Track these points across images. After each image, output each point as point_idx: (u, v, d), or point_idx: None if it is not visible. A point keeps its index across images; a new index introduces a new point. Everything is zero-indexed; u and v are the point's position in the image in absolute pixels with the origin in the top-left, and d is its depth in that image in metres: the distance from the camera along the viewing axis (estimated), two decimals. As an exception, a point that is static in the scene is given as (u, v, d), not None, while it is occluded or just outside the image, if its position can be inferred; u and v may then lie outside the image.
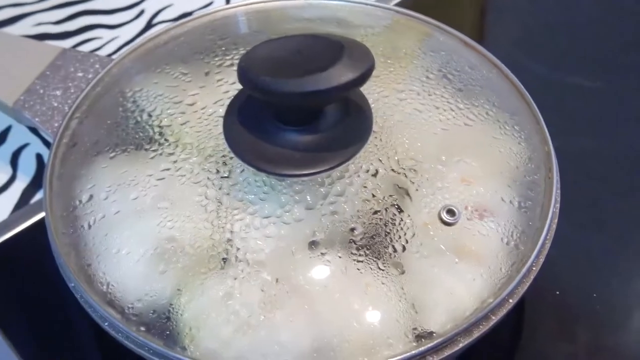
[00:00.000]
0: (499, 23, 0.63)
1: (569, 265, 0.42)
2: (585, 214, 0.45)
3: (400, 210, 0.34)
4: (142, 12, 0.60)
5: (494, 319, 0.32)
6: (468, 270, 0.33)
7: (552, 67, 0.56)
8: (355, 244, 0.33)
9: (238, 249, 0.33)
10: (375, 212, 0.34)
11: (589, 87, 0.55)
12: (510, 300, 0.33)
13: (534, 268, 0.34)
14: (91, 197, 0.37)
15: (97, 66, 0.45)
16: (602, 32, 0.60)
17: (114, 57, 0.44)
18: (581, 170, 0.47)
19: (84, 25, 0.60)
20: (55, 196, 0.37)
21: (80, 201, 0.37)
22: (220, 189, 0.35)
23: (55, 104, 0.44)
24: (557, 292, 0.41)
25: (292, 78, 0.32)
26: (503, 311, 0.32)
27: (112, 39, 0.58)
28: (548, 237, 0.34)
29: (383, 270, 0.33)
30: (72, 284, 0.34)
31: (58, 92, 0.44)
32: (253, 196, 0.34)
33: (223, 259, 0.33)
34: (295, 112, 0.34)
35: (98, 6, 0.61)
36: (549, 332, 0.40)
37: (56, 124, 0.43)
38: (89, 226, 0.36)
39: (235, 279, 0.33)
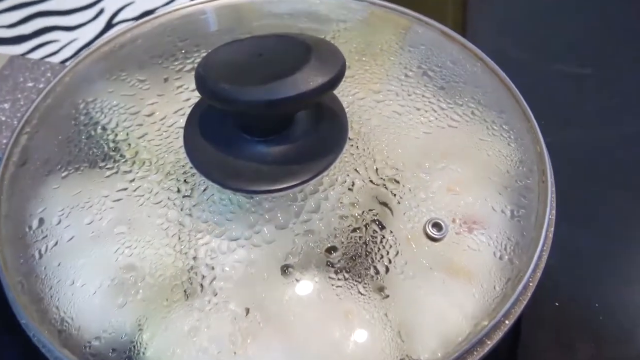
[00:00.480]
0: (481, 9, 0.60)
1: (567, 273, 0.39)
2: (584, 214, 0.42)
3: (382, 227, 0.31)
4: (101, 12, 0.57)
5: (490, 344, 0.29)
6: (458, 290, 0.30)
7: (539, 54, 0.53)
8: (333, 266, 0.30)
9: (203, 276, 0.30)
10: (354, 230, 0.31)
11: (579, 75, 0.51)
12: (507, 322, 0.30)
13: (530, 284, 0.31)
14: (42, 221, 0.33)
15: (48, 74, 0.42)
16: (591, 17, 0.57)
17: (68, 63, 0.40)
18: (577, 166, 0.44)
19: (40, 27, 0.56)
20: (4, 221, 0.34)
21: (30, 227, 0.33)
22: (182, 209, 0.32)
23: (4, 118, 0.41)
24: (557, 304, 0.38)
25: (256, 85, 0.29)
26: (499, 334, 0.29)
27: (70, 42, 0.55)
28: (545, 248, 0.32)
29: (365, 294, 0.29)
30: (24, 321, 0.31)
31: (6, 105, 0.41)
32: (218, 217, 0.31)
33: (187, 289, 0.30)
34: (262, 122, 0.31)
35: (54, 6, 0.57)
36: (549, 349, 0.37)
37: (4, 140, 0.40)
38: (40, 255, 0.32)
39: (202, 311, 0.29)
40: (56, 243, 0.32)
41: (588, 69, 0.52)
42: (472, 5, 0.60)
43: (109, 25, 0.56)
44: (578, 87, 0.51)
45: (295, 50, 0.30)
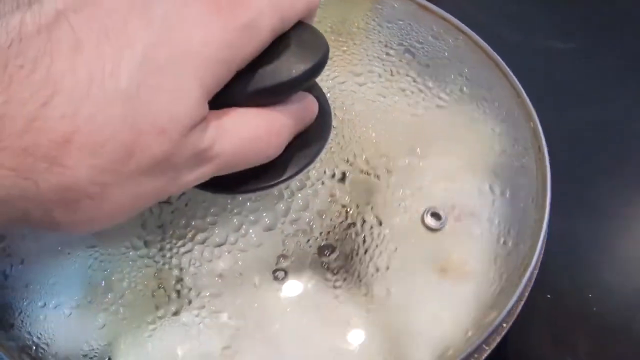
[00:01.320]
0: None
1: (559, 263, 0.37)
2: (573, 198, 0.40)
3: (379, 221, 0.29)
4: None
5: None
6: (460, 285, 0.28)
7: (501, 20, 0.51)
8: (329, 268, 0.28)
9: (189, 289, 0.28)
10: (349, 226, 0.29)
11: (562, 50, 0.49)
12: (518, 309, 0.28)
13: (535, 271, 0.29)
14: (3, 238, 0.30)
15: None
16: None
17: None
18: (569, 147, 0.42)
19: None
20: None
21: (-9, 243, 0.31)
22: (160, 216, 0.29)
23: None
24: (549, 296, 0.36)
25: None
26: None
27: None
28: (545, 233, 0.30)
29: (365, 296, 0.27)
30: (-7, 351, 0.28)
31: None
32: (200, 221, 0.29)
33: (172, 303, 0.28)
34: (239, 114, 0.29)
35: None
36: (543, 343, 0.35)
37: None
38: (5, 276, 0.30)
39: (190, 326, 0.27)
40: (22, 261, 0.30)
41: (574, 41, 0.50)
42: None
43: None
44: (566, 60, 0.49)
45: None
